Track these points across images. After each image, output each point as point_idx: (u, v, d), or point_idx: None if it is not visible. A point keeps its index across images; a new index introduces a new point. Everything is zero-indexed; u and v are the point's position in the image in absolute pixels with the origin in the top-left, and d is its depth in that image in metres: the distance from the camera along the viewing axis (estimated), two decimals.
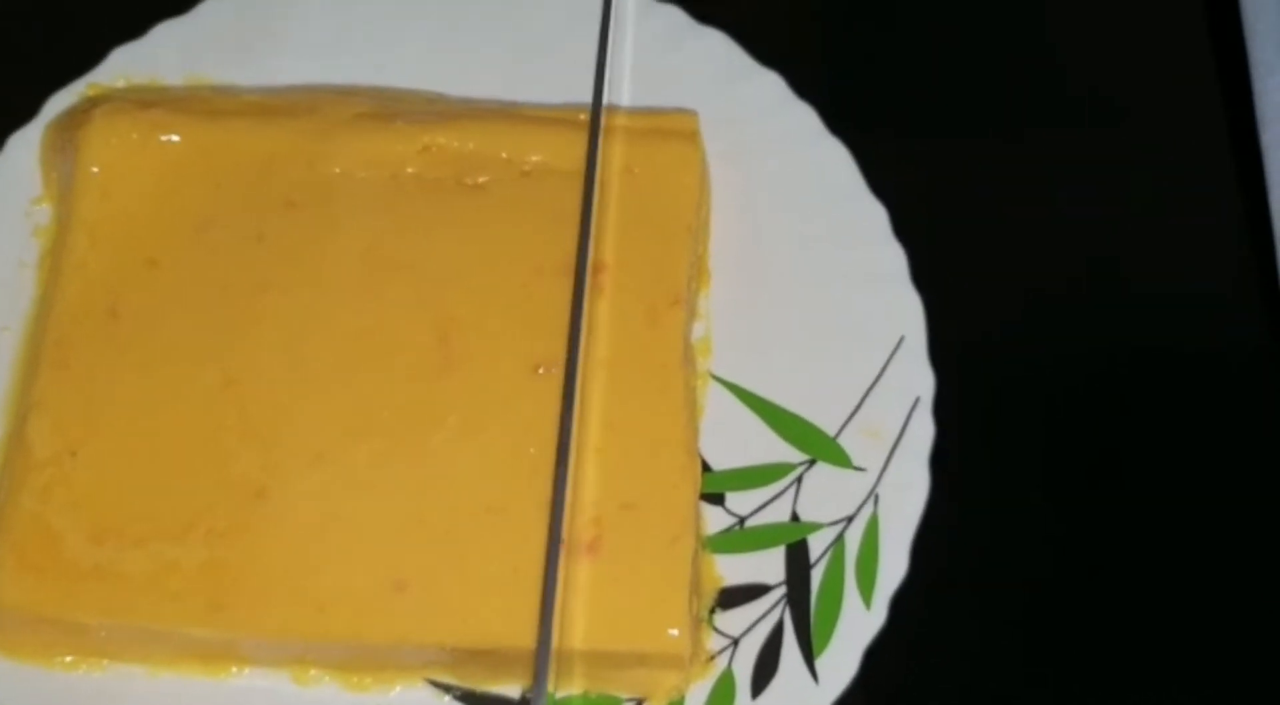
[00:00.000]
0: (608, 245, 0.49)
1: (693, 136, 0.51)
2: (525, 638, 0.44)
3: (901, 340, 0.49)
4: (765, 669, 0.46)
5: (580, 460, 0.46)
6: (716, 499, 0.48)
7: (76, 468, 0.46)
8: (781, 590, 0.47)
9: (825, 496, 0.47)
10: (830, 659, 0.45)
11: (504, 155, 0.50)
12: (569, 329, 0.47)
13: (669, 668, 0.45)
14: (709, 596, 0.47)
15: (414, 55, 0.54)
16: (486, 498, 0.46)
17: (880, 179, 0.51)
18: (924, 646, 0.47)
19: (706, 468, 0.48)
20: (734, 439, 0.49)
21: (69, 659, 0.46)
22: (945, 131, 0.55)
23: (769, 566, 0.47)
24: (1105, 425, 0.50)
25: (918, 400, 0.48)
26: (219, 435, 0.46)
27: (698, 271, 0.51)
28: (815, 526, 0.47)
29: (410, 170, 0.50)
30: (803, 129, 0.52)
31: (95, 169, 0.50)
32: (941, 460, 0.48)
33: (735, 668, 0.46)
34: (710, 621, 0.46)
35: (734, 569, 0.47)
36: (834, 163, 0.51)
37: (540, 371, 0.47)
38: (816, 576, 0.46)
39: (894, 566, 0.46)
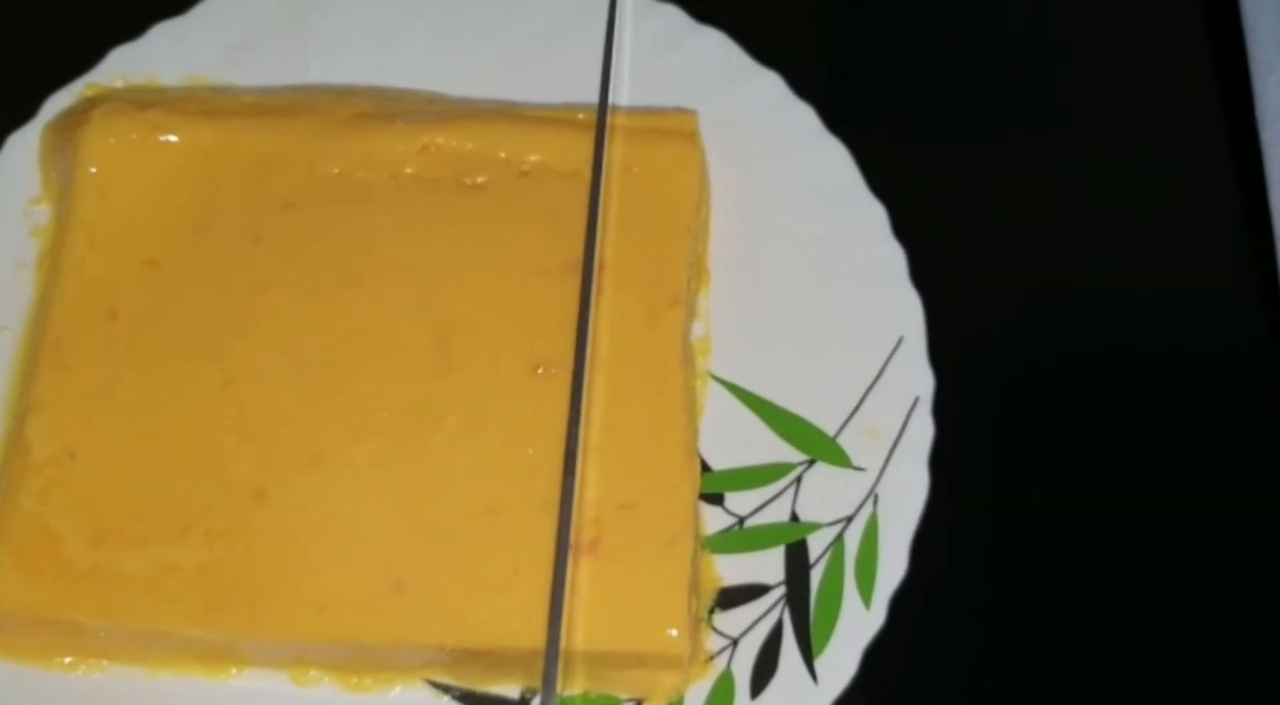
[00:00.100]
0: (607, 245, 0.49)
1: (692, 136, 0.51)
2: (524, 638, 0.44)
3: (901, 340, 0.49)
4: (764, 669, 0.46)
5: (579, 460, 0.46)
6: (716, 499, 0.48)
7: (75, 468, 0.46)
8: (781, 590, 0.46)
9: (824, 496, 0.47)
10: (829, 659, 0.45)
11: (503, 155, 0.50)
12: (576, 329, 0.47)
13: (668, 668, 0.45)
14: (708, 597, 0.47)
15: (413, 55, 0.54)
16: (485, 498, 0.46)
17: (879, 179, 0.51)
18: (923, 646, 0.47)
19: (706, 468, 0.48)
20: (733, 439, 0.49)
21: (68, 660, 0.46)
22: (944, 131, 0.55)
23: (768, 566, 0.47)
24: (1105, 425, 0.50)
25: (917, 400, 0.48)
26: (218, 436, 0.46)
27: (697, 271, 0.51)
28: (814, 526, 0.47)
29: (409, 170, 0.50)
30: (802, 129, 0.52)
31: (94, 169, 0.50)
32: (941, 460, 0.47)
33: (734, 668, 0.46)
34: (709, 622, 0.46)
35: (733, 569, 0.47)
36: (833, 162, 0.51)
37: (539, 372, 0.47)
38: (816, 576, 0.46)
39: (893, 566, 0.46)
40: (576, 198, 0.50)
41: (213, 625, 0.44)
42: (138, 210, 0.49)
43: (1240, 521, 0.49)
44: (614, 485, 0.46)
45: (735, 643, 0.46)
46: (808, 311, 0.50)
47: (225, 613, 0.44)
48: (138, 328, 0.48)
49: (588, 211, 0.49)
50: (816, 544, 0.47)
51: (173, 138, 0.50)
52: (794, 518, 0.47)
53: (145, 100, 0.51)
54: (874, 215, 0.51)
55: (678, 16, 0.54)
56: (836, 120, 0.52)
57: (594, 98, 0.52)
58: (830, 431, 0.48)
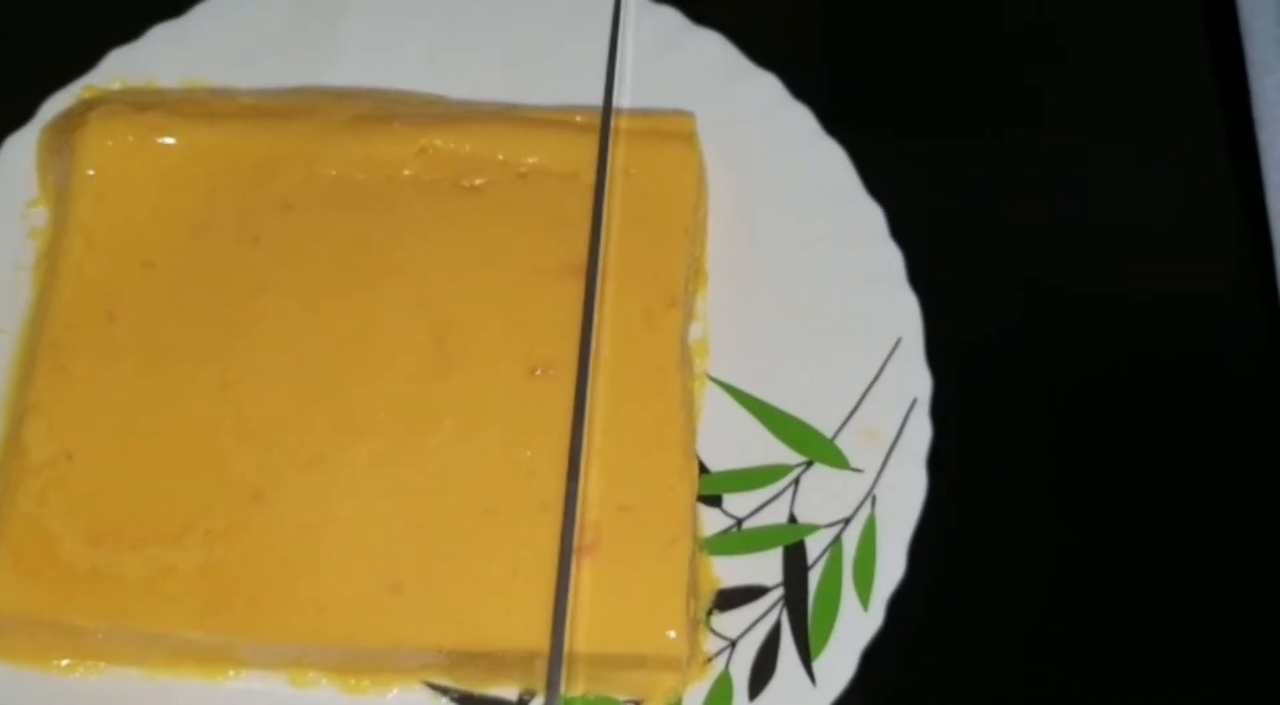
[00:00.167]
0: (605, 246, 0.49)
1: (689, 138, 0.51)
2: (523, 640, 0.44)
3: (899, 341, 0.49)
4: (763, 671, 0.46)
5: (568, 462, 0.46)
6: (714, 501, 0.48)
7: (73, 470, 0.46)
8: (779, 592, 0.46)
9: (823, 498, 0.47)
10: (828, 660, 0.45)
11: (501, 157, 0.50)
12: (580, 331, 0.47)
13: (667, 669, 0.45)
14: (706, 598, 0.47)
15: (411, 57, 0.54)
16: (484, 499, 0.46)
17: (877, 180, 0.51)
18: (921, 648, 0.47)
19: (704, 469, 0.48)
20: (731, 440, 0.49)
21: (66, 662, 0.46)
22: (942, 132, 0.55)
23: (766, 568, 0.47)
24: (1103, 426, 0.50)
25: (915, 401, 0.48)
26: (216, 437, 0.46)
27: (695, 273, 0.51)
28: (813, 528, 0.47)
29: (407, 172, 0.50)
30: (799, 130, 0.52)
31: (91, 171, 0.50)
32: (939, 461, 0.47)
33: (733, 669, 0.46)
34: (708, 623, 0.46)
35: (731, 571, 0.47)
36: (831, 164, 0.51)
37: (538, 373, 0.47)
38: (814, 578, 0.46)
39: (891, 568, 0.46)
40: (574, 200, 0.50)
41: (211, 627, 0.44)
42: (135, 212, 0.49)
43: (1240, 522, 0.49)
44: (612, 487, 0.46)
45: (733, 644, 0.46)
46: (806, 313, 0.50)
47: (223, 614, 0.44)
48: (135, 330, 0.48)
49: (592, 214, 0.49)
50: (814, 545, 0.47)
51: (170, 140, 0.50)
52: (792, 519, 0.47)
53: (143, 102, 0.51)
54: (872, 216, 0.51)
55: (675, 18, 0.54)
56: (834, 121, 0.52)
57: (592, 100, 0.52)
58: (828, 433, 0.48)
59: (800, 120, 0.52)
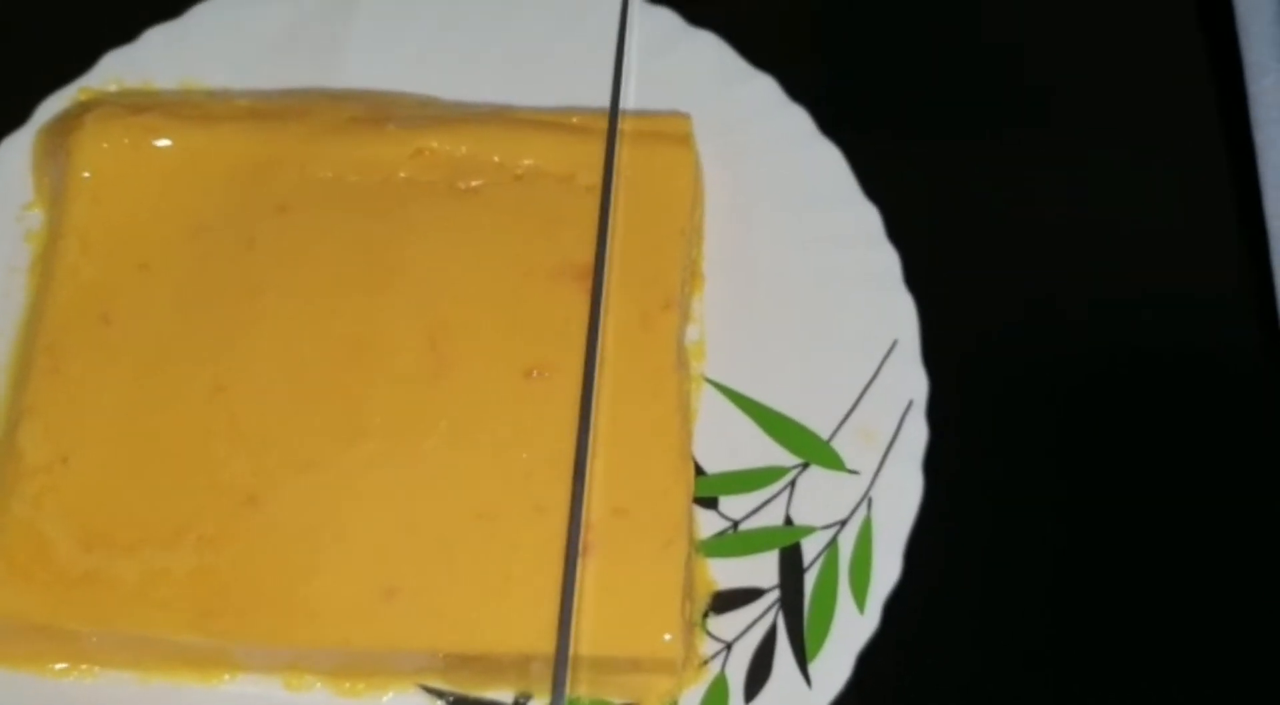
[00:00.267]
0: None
1: (686, 139, 0.51)
2: (518, 643, 0.44)
3: (895, 343, 0.49)
4: (758, 673, 0.45)
5: (573, 466, 0.46)
6: (710, 503, 0.48)
7: (68, 474, 0.46)
8: (775, 594, 0.46)
9: (819, 500, 0.47)
10: (823, 663, 0.45)
11: (496, 159, 0.50)
12: (586, 332, 0.47)
13: (662, 672, 0.45)
14: (702, 601, 0.47)
15: (407, 59, 0.54)
16: (478, 503, 0.46)
17: (873, 181, 0.51)
18: (917, 650, 0.47)
19: (700, 471, 0.48)
20: (727, 442, 0.49)
21: (60, 666, 0.46)
22: (938, 133, 0.55)
23: (762, 570, 0.47)
24: (1100, 427, 0.50)
25: (911, 403, 0.48)
26: (210, 441, 0.46)
27: (691, 274, 0.51)
28: (809, 530, 0.47)
29: (402, 174, 0.50)
30: (796, 131, 0.52)
31: (87, 174, 0.50)
32: (935, 463, 0.47)
33: (728, 672, 0.46)
34: (703, 626, 0.46)
35: (727, 573, 0.47)
36: (827, 165, 0.51)
37: (533, 375, 0.47)
38: (810, 580, 0.46)
39: (887, 570, 0.46)
40: (571, 201, 0.50)
41: (205, 631, 0.44)
42: (131, 214, 0.49)
43: (1238, 523, 0.49)
44: (608, 489, 0.46)
45: (729, 647, 0.46)
46: (802, 314, 0.50)
47: (218, 618, 0.44)
48: (131, 332, 0.48)
49: (599, 216, 0.49)
50: (810, 548, 0.47)
51: (166, 142, 0.50)
52: (788, 521, 0.47)
53: (139, 104, 0.51)
54: (868, 218, 0.51)
55: (672, 19, 0.54)
56: (830, 123, 0.52)
57: (588, 101, 0.52)
58: (824, 435, 0.48)
59: (797, 121, 0.52)
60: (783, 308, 0.50)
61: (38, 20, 0.57)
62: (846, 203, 0.51)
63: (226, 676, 0.46)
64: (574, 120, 0.51)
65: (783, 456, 0.48)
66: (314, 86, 0.54)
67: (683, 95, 0.52)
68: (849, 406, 0.48)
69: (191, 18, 0.54)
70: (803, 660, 0.45)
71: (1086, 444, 0.50)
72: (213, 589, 0.45)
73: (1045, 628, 0.48)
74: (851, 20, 0.57)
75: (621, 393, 0.47)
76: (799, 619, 0.46)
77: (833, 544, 0.47)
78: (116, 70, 0.53)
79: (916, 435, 0.48)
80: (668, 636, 0.44)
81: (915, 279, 0.50)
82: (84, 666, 0.46)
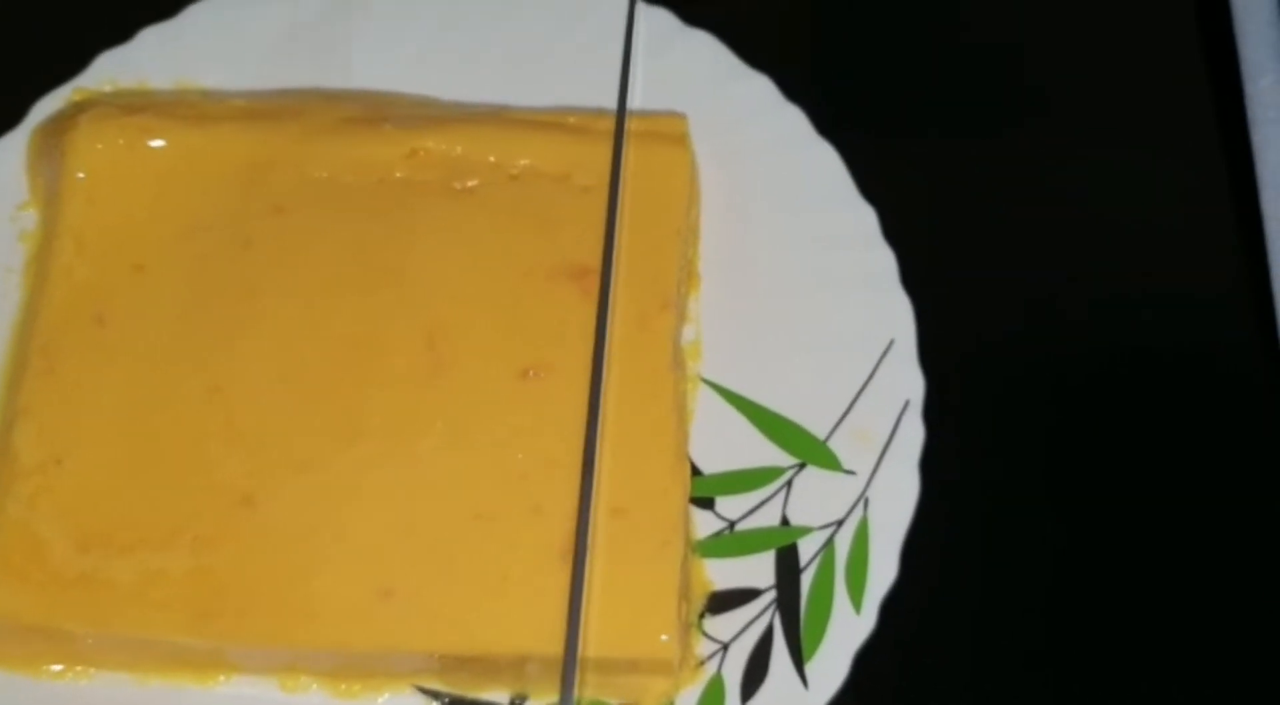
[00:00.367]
0: (597, 249, 0.49)
1: (682, 139, 0.51)
2: (514, 644, 0.44)
3: (891, 343, 0.49)
4: (755, 674, 0.45)
5: (569, 466, 0.46)
6: (706, 503, 0.48)
7: (63, 475, 0.46)
8: (771, 595, 0.46)
9: (815, 500, 0.47)
10: (820, 664, 0.45)
11: (492, 159, 0.50)
12: (595, 332, 0.47)
13: (659, 673, 0.45)
14: (699, 601, 0.47)
15: (403, 59, 0.54)
16: (474, 504, 0.45)
17: (870, 181, 0.51)
18: (914, 651, 0.47)
19: (696, 471, 0.48)
20: (724, 443, 0.48)
21: (56, 667, 0.46)
22: (935, 133, 0.55)
23: (759, 571, 0.47)
24: (1097, 427, 0.50)
25: (907, 403, 0.48)
26: (205, 442, 0.46)
27: (687, 275, 0.51)
28: (805, 530, 0.47)
29: (398, 174, 0.50)
30: (792, 131, 0.52)
31: (81, 174, 0.50)
32: (931, 464, 0.47)
33: (725, 673, 0.46)
34: (700, 626, 0.46)
35: (724, 573, 0.47)
36: (823, 165, 0.51)
37: (529, 376, 0.47)
38: (806, 581, 0.46)
39: (884, 571, 0.46)
40: (567, 202, 0.50)
41: (201, 632, 0.44)
42: (125, 215, 0.49)
43: (1236, 524, 0.49)
44: (604, 490, 0.46)
45: (726, 647, 0.46)
46: (798, 315, 0.50)
47: (213, 619, 0.44)
48: (125, 333, 0.48)
49: (606, 216, 0.49)
50: (807, 548, 0.47)
51: (161, 142, 0.50)
52: (784, 522, 0.47)
53: (133, 105, 0.51)
54: (864, 218, 0.51)
55: (668, 19, 0.54)
56: (827, 123, 0.52)
57: (585, 101, 0.52)
58: (821, 435, 0.48)
59: (793, 122, 0.52)
60: (779, 308, 0.50)
61: (32, 20, 0.57)
62: (843, 203, 0.51)
63: (222, 678, 0.46)
64: (570, 120, 0.51)
65: (779, 457, 0.48)
66: (310, 86, 0.53)
67: (679, 95, 0.52)
68: (845, 407, 0.48)
69: (186, 18, 0.54)
70: (799, 661, 0.45)
71: (1083, 444, 0.50)
72: (209, 590, 0.45)
73: (1042, 628, 0.48)
74: (848, 20, 0.57)
75: (618, 393, 0.47)
76: (795, 619, 0.46)
77: (829, 544, 0.47)
78: (111, 70, 0.53)
79: (913, 435, 0.48)
80: (664, 637, 0.44)
81: (911, 279, 0.50)
82: (79, 668, 0.46)
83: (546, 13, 0.54)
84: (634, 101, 0.52)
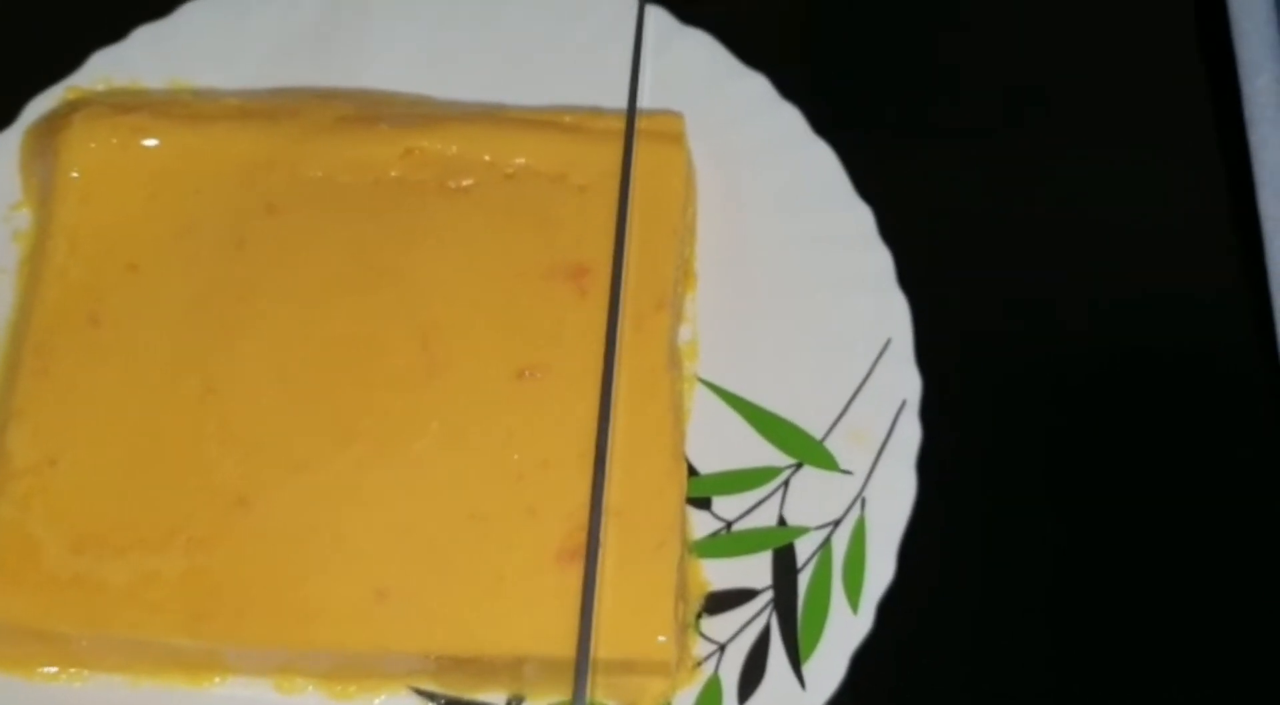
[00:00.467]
0: (593, 248, 0.49)
1: (678, 138, 0.50)
2: (510, 645, 0.44)
3: (888, 343, 0.49)
4: (752, 674, 0.45)
5: (566, 466, 0.46)
6: (703, 503, 0.48)
7: (56, 477, 0.46)
8: (768, 595, 0.46)
9: (812, 500, 0.47)
10: (817, 664, 0.45)
11: (487, 158, 0.50)
12: (606, 332, 0.47)
13: (656, 674, 0.45)
14: (696, 602, 0.47)
15: (397, 58, 0.54)
16: (470, 505, 0.45)
17: (867, 181, 0.51)
18: (911, 651, 0.47)
19: (693, 472, 0.48)
20: (720, 443, 0.48)
21: (49, 669, 0.46)
22: (932, 133, 0.55)
23: (756, 571, 0.47)
24: (1094, 426, 0.50)
25: (904, 403, 0.48)
26: (200, 443, 0.46)
27: (684, 274, 0.50)
28: (802, 530, 0.47)
29: (393, 174, 0.50)
30: (789, 131, 0.52)
31: (75, 174, 0.50)
32: (928, 463, 0.47)
33: (722, 673, 0.46)
34: (697, 627, 0.46)
35: (721, 574, 0.47)
36: (820, 165, 0.51)
37: (525, 376, 0.47)
38: (803, 581, 0.46)
39: (881, 571, 0.46)
40: (563, 201, 0.49)
41: (195, 633, 0.44)
42: (119, 214, 0.49)
43: (1235, 524, 0.49)
44: (602, 490, 0.46)
45: (723, 648, 0.46)
46: (795, 314, 0.50)
47: (208, 621, 0.44)
48: (119, 334, 0.48)
49: (616, 216, 0.49)
50: (804, 548, 0.47)
51: (154, 142, 0.50)
52: (781, 522, 0.47)
53: (127, 104, 0.51)
54: (861, 218, 0.50)
55: (664, 18, 0.54)
56: (824, 122, 0.52)
57: (580, 100, 0.52)
58: (817, 435, 0.48)
59: (789, 121, 0.52)
60: (776, 307, 0.50)
61: (25, 19, 0.57)
62: (839, 202, 0.51)
63: (217, 679, 0.46)
64: (566, 119, 0.51)
65: (776, 457, 0.48)
66: (304, 86, 0.53)
67: (675, 94, 0.52)
68: (842, 406, 0.48)
69: (180, 17, 0.54)
70: (796, 661, 0.45)
71: (1080, 444, 0.50)
72: (204, 591, 0.44)
73: (1040, 628, 0.48)
74: (845, 20, 0.57)
75: (614, 393, 0.47)
76: (793, 620, 0.46)
77: (826, 544, 0.47)
78: (105, 69, 0.53)
79: (910, 435, 0.48)
80: (661, 638, 0.44)
81: (908, 278, 0.50)
82: (73, 670, 0.46)
83: (542, 12, 0.54)
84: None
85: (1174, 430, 0.50)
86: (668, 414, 0.47)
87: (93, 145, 0.50)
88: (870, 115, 0.55)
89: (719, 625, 0.46)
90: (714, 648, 0.46)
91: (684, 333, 0.50)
